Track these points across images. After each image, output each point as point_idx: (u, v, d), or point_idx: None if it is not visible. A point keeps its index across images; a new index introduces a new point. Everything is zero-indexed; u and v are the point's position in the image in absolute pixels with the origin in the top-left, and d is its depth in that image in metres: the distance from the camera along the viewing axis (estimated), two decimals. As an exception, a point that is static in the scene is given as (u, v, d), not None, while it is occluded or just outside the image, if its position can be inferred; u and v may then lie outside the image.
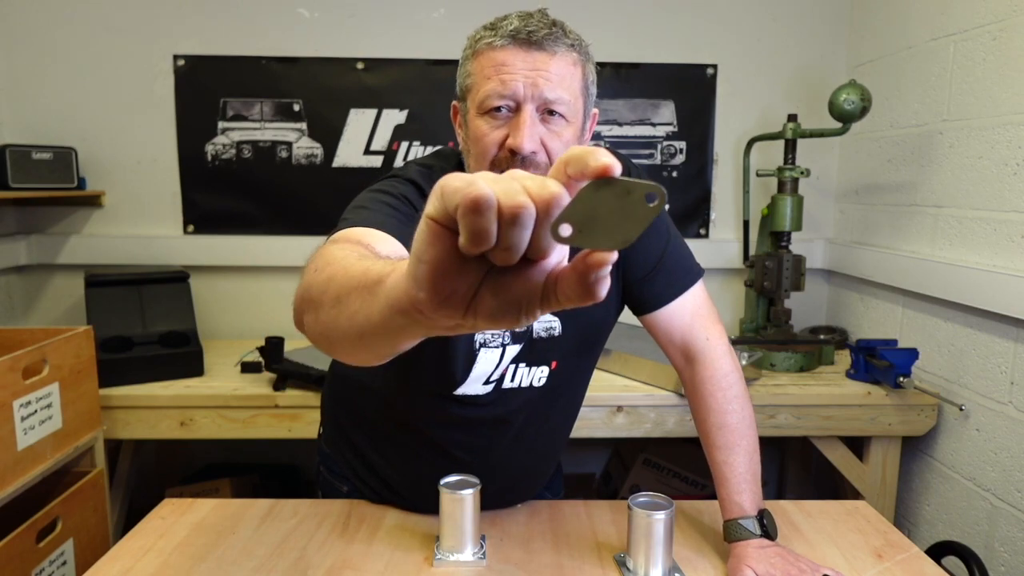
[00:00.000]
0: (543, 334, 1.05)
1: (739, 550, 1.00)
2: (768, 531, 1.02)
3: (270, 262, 2.31)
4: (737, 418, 1.07)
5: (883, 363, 1.79)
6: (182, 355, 1.88)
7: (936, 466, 1.84)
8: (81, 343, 1.62)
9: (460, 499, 0.99)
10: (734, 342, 1.92)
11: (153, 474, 2.37)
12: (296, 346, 1.94)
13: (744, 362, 1.83)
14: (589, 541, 1.08)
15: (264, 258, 2.32)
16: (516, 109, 0.91)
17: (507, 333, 1.01)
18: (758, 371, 1.92)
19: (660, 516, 0.95)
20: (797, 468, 2.44)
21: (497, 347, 1.02)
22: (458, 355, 1.01)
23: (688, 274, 1.11)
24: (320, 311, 0.62)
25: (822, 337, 2.17)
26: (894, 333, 2.00)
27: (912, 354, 1.78)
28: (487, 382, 1.04)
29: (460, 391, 1.04)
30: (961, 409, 1.70)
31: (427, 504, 1.08)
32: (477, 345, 1.01)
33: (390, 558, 1.03)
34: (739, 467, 1.04)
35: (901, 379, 1.74)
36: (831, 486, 2.12)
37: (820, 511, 1.19)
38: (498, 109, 0.91)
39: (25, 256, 2.25)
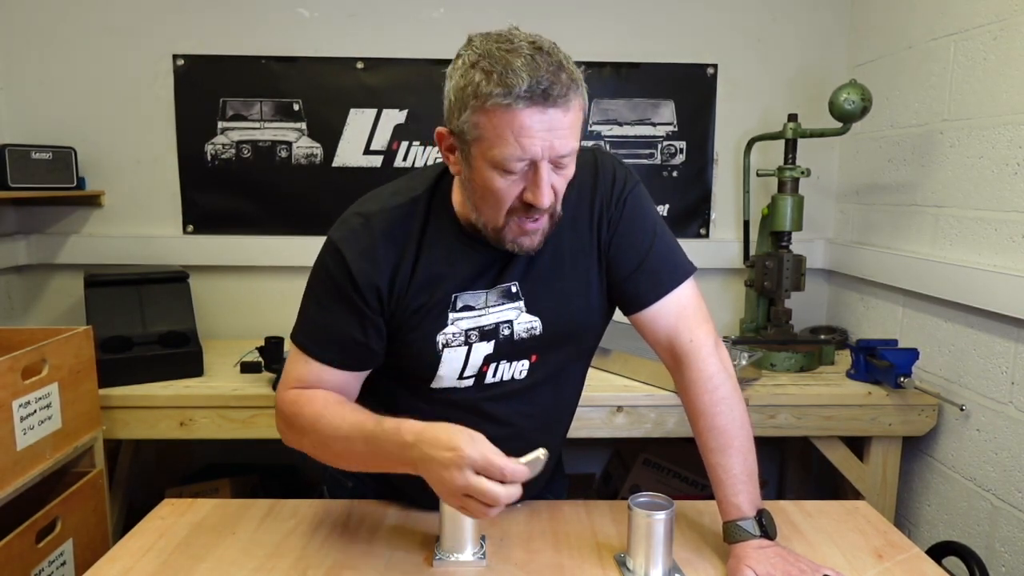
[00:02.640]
0: (524, 334, 1.06)
1: (739, 551, 1.00)
2: (767, 531, 1.01)
3: (270, 262, 2.31)
4: (726, 419, 1.06)
5: (883, 363, 1.79)
6: (182, 355, 1.87)
7: (936, 466, 1.84)
8: (81, 343, 1.62)
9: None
10: (734, 342, 1.92)
11: (153, 474, 2.37)
12: (296, 346, 1.94)
13: (744, 362, 1.83)
14: (589, 541, 1.08)
15: (264, 258, 2.31)
16: (531, 165, 0.92)
17: (473, 332, 1.04)
18: (758, 371, 1.92)
19: (660, 516, 0.96)
20: (797, 468, 2.44)
21: (460, 345, 1.04)
22: (422, 357, 1.04)
23: (673, 274, 1.10)
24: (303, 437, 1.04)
25: (822, 337, 2.17)
26: (894, 333, 2.00)
27: (912, 354, 1.78)
28: (463, 377, 1.06)
29: (436, 385, 1.07)
30: (962, 409, 1.70)
31: (425, 499, 1.07)
32: (440, 347, 1.03)
33: (390, 558, 1.03)
34: (733, 468, 1.04)
35: (901, 379, 1.74)
36: (831, 486, 2.12)
37: (820, 511, 1.19)
38: (516, 170, 0.92)
39: (25, 256, 2.25)
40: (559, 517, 1.15)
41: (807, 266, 2.07)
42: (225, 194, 2.29)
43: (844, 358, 2.06)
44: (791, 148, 2.04)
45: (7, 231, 2.22)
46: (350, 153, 2.30)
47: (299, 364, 1.05)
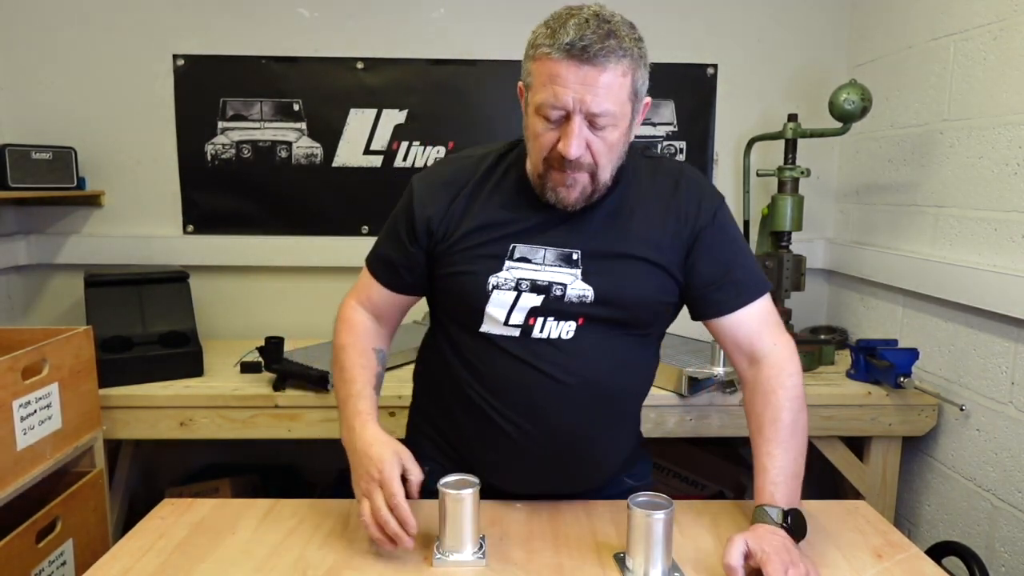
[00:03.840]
0: (574, 299, 1.09)
1: (751, 528, 1.01)
2: (792, 528, 1.01)
3: (270, 262, 2.31)
4: (792, 418, 1.10)
5: (883, 363, 1.79)
6: (182, 355, 1.87)
7: (936, 466, 1.84)
8: (81, 343, 1.62)
9: (460, 499, 0.99)
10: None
11: (153, 474, 2.37)
12: (296, 346, 1.94)
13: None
14: (589, 541, 1.08)
15: (264, 258, 2.31)
16: (567, 116, 1.00)
17: (524, 282, 1.10)
18: (758, 371, 1.92)
19: (660, 516, 0.95)
20: (797, 468, 2.44)
21: (510, 290, 1.10)
22: (474, 295, 1.12)
23: (757, 286, 1.16)
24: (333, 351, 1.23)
25: (822, 337, 2.17)
26: (894, 333, 2.00)
27: (912, 354, 1.78)
28: (508, 324, 1.11)
29: (484, 329, 1.12)
30: (961, 409, 1.70)
31: (509, 481, 1.18)
32: (490, 287, 1.10)
33: (390, 558, 1.03)
34: (781, 461, 1.07)
35: (901, 379, 1.74)
36: (831, 486, 2.12)
37: (820, 511, 1.19)
38: (551, 117, 1.01)
39: (25, 256, 2.25)
40: (559, 517, 1.15)
41: (807, 266, 2.07)
42: (225, 194, 2.29)
43: (844, 358, 2.06)
44: (791, 148, 2.04)
45: (7, 231, 2.22)
46: (350, 153, 2.30)
47: (363, 277, 1.25)
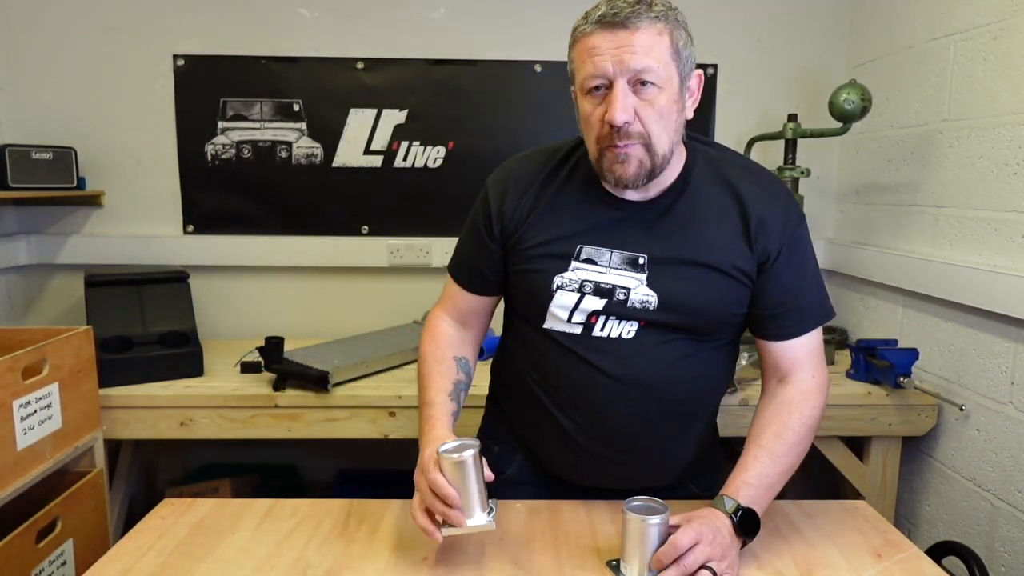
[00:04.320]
0: (637, 304, 1.09)
1: (701, 510, 1.02)
2: (740, 523, 1.01)
3: (270, 262, 2.31)
4: (795, 439, 1.11)
5: (883, 363, 1.79)
6: (182, 355, 1.88)
7: (936, 466, 1.84)
8: (81, 343, 1.62)
9: (460, 462, 0.97)
10: (734, 342, 1.92)
11: (153, 474, 2.37)
12: (296, 346, 1.94)
13: (744, 362, 1.83)
14: (588, 541, 1.08)
15: (264, 258, 2.32)
16: (610, 86, 1.01)
17: (588, 283, 1.10)
18: (758, 371, 1.91)
19: (655, 521, 0.94)
20: (797, 468, 2.44)
21: (573, 291, 1.10)
22: (538, 292, 1.13)
23: (817, 314, 1.15)
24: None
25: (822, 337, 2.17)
26: (894, 333, 2.00)
27: (912, 354, 1.78)
28: (571, 321, 1.11)
29: (547, 325, 1.13)
30: (961, 409, 1.70)
31: (568, 471, 1.21)
32: (555, 287, 1.11)
33: (390, 558, 1.03)
34: (765, 469, 1.07)
35: (901, 379, 1.74)
36: (831, 486, 2.12)
37: (820, 511, 1.19)
38: (596, 88, 1.02)
39: (25, 256, 2.25)
40: (559, 517, 1.15)
41: (807, 266, 2.07)
42: (225, 194, 2.29)
43: (844, 358, 2.06)
44: (791, 148, 2.04)
45: (7, 231, 2.22)
46: (350, 153, 2.30)
47: (448, 284, 1.27)
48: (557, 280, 1.11)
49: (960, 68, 1.76)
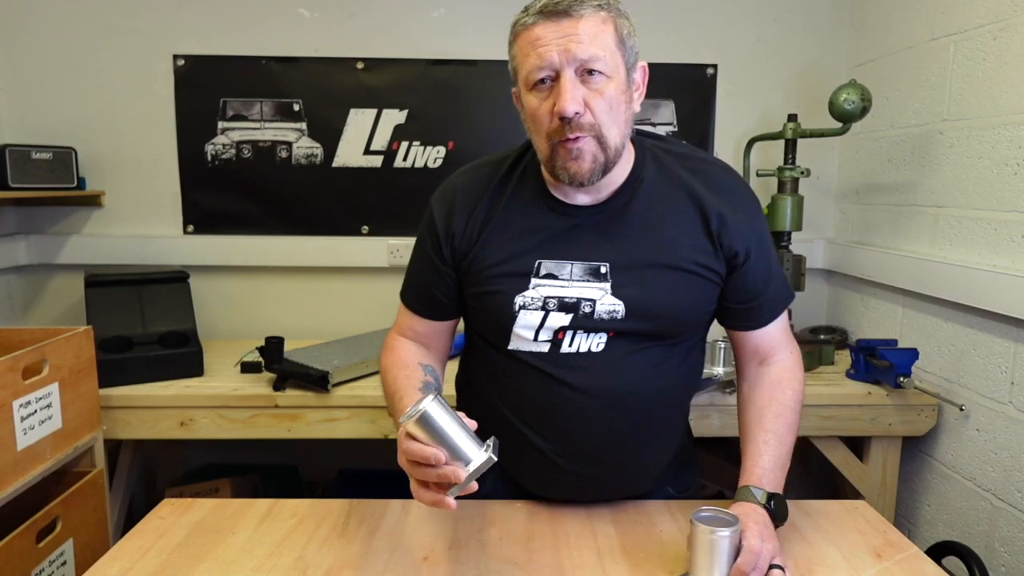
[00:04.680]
0: (604, 316, 1.06)
1: (735, 504, 1.03)
2: (774, 512, 1.02)
3: (270, 262, 2.31)
4: (793, 417, 1.14)
5: (883, 363, 1.79)
6: (182, 355, 1.87)
7: (936, 466, 1.84)
8: (81, 343, 1.62)
9: (421, 416, 0.87)
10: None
11: (153, 474, 2.37)
12: (296, 346, 1.94)
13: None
14: (589, 541, 1.08)
15: (264, 258, 2.32)
16: (557, 77, 0.98)
17: (552, 300, 1.07)
18: (758, 371, 1.92)
19: (724, 533, 0.92)
20: (797, 468, 2.43)
21: (537, 310, 1.07)
22: (500, 315, 1.09)
23: (785, 300, 1.17)
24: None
25: (822, 337, 2.17)
26: (894, 333, 2.00)
27: (912, 354, 1.78)
28: (537, 340, 1.08)
29: (513, 347, 1.10)
30: (961, 409, 1.70)
31: (544, 488, 1.18)
32: (517, 307, 1.08)
33: (390, 558, 1.03)
34: (776, 451, 1.09)
35: (901, 379, 1.74)
36: (831, 486, 2.12)
37: (820, 511, 1.19)
38: (542, 81, 0.99)
39: (25, 256, 2.25)
40: (559, 517, 1.15)
41: (807, 266, 2.07)
42: (225, 194, 2.29)
43: (844, 358, 2.06)
44: (791, 148, 2.04)
45: (7, 231, 2.22)
46: (350, 153, 2.30)
47: (400, 312, 1.23)
48: (519, 300, 1.07)
49: (960, 68, 1.76)
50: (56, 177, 2.09)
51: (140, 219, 2.30)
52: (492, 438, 0.93)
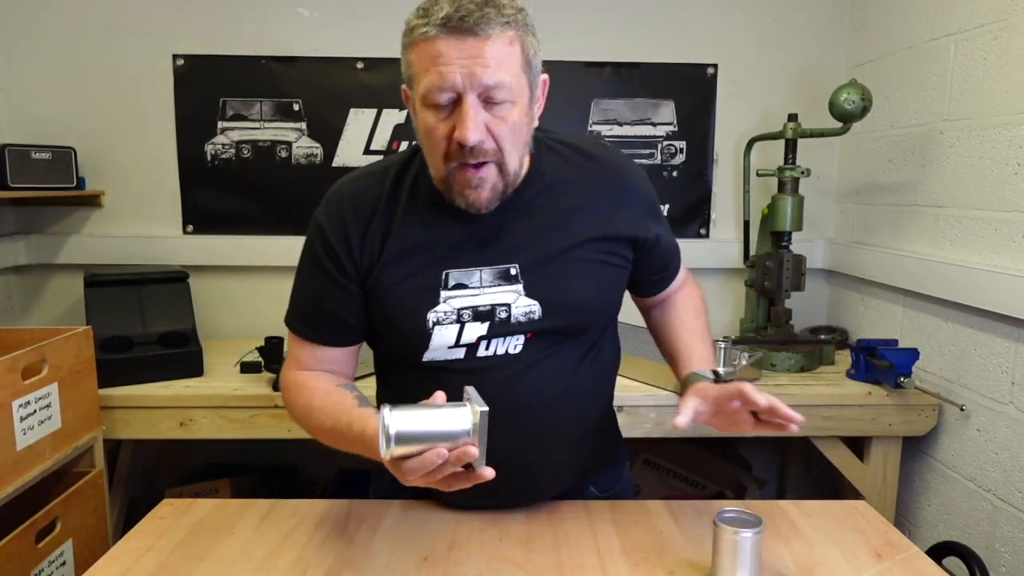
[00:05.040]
0: (521, 318, 1.04)
1: (695, 387, 1.05)
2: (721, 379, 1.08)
3: (270, 262, 2.31)
4: (705, 317, 1.24)
5: (884, 363, 1.79)
6: (182, 355, 1.87)
7: (937, 466, 1.84)
8: (80, 343, 1.62)
9: (392, 437, 0.82)
10: (734, 342, 1.92)
11: (153, 474, 2.37)
12: (296, 346, 1.93)
13: (744, 362, 1.83)
14: (589, 541, 1.08)
15: (264, 258, 2.31)
16: (458, 99, 0.91)
17: (466, 311, 1.03)
18: (758, 371, 1.92)
19: (748, 534, 0.91)
20: (797, 468, 2.44)
21: (452, 324, 1.03)
22: (413, 334, 1.04)
23: (678, 256, 1.23)
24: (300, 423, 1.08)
25: (822, 337, 2.17)
26: (894, 333, 2.00)
27: (913, 354, 1.78)
28: (453, 347, 1.04)
29: (427, 357, 1.05)
30: (962, 409, 1.70)
31: (464, 499, 1.08)
32: (430, 324, 1.03)
33: (390, 558, 1.03)
34: (702, 352, 1.17)
35: (902, 379, 1.74)
36: (831, 486, 2.12)
37: (820, 511, 1.19)
38: (441, 102, 0.92)
39: (24, 256, 2.25)
40: (559, 517, 1.15)
41: (807, 266, 2.07)
42: (225, 194, 2.29)
43: (844, 358, 2.06)
44: (791, 148, 2.04)
45: (7, 231, 2.22)
46: (350, 153, 2.30)
47: (294, 345, 1.11)
48: (431, 316, 1.02)
49: (960, 68, 1.76)
50: (56, 177, 2.09)
51: (140, 219, 2.29)
52: (466, 389, 0.87)
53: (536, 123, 1.02)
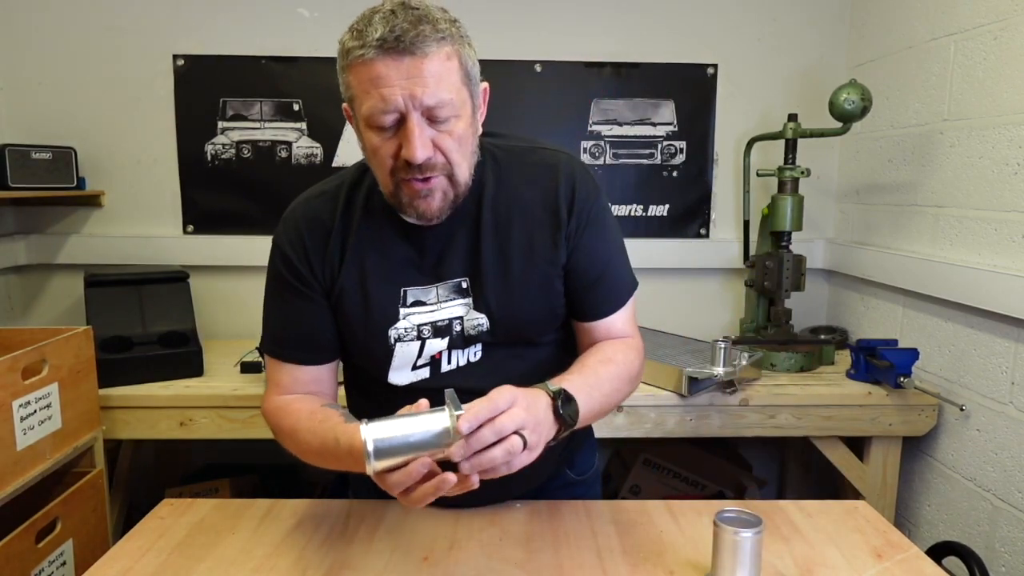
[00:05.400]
0: (472, 331, 1.06)
1: (527, 391, 0.92)
2: (561, 401, 0.92)
3: (270, 262, 2.31)
4: (619, 370, 1.05)
5: (883, 363, 1.79)
6: (182, 355, 1.87)
7: (936, 466, 1.84)
8: (80, 343, 1.62)
9: (373, 446, 0.82)
10: (734, 342, 1.92)
11: (153, 474, 2.37)
12: (296, 346, 1.93)
13: (744, 362, 1.83)
14: (589, 541, 1.08)
15: (264, 258, 2.28)
16: (402, 119, 0.91)
17: (425, 327, 1.05)
18: (758, 371, 1.92)
19: (748, 534, 0.91)
20: (797, 468, 2.44)
21: (413, 340, 1.05)
22: (375, 351, 1.06)
23: (626, 288, 1.12)
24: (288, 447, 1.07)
25: (822, 337, 2.17)
26: (894, 333, 2.00)
27: (912, 354, 1.78)
28: (416, 367, 1.07)
29: (393, 381, 1.07)
30: (962, 409, 1.70)
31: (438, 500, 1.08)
32: (392, 341, 1.05)
33: (389, 558, 1.03)
34: (589, 380, 1.00)
35: (901, 379, 1.74)
36: (831, 486, 2.12)
37: (820, 511, 1.19)
38: (385, 124, 0.92)
39: (24, 256, 2.25)
40: (558, 517, 1.15)
41: (807, 266, 2.07)
42: (225, 194, 2.29)
43: (844, 358, 2.06)
44: (791, 148, 2.04)
45: (7, 231, 2.22)
46: (350, 153, 2.29)
47: (273, 370, 1.11)
48: (392, 333, 1.04)
49: (960, 68, 1.76)
50: (56, 177, 2.09)
51: (140, 219, 2.29)
52: (445, 391, 0.86)
53: (480, 130, 1.02)
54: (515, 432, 0.84)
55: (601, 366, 1.04)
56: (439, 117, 0.92)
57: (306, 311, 1.07)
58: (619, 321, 1.11)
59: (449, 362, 1.07)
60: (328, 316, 1.07)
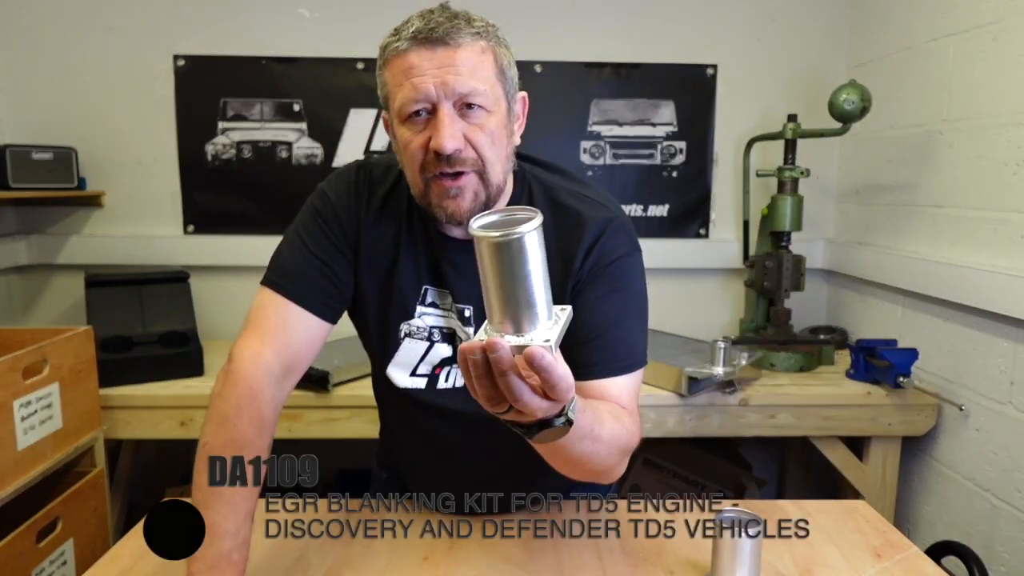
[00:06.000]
0: None
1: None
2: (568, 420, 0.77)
3: (270, 262, 2.31)
4: (610, 430, 0.88)
5: (883, 363, 1.79)
6: (182, 355, 1.88)
7: (936, 466, 1.84)
8: (81, 343, 1.62)
9: (509, 243, 0.63)
10: (734, 342, 1.92)
11: (153, 474, 2.37)
12: (296, 346, 1.93)
13: (744, 362, 1.83)
14: (589, 541, 1.08)
15: (264, 258, 2.27)
16: (433, 110, 0.90)
17: (436, 330, 1.04)
18: (758, 371, 1.92)
19: (747, 534, 0.92)
20: (797, 468, 2.44)
21: (422, 340, 1.05)
22: (384, 340, 1.06)
23: (627, 357, 0.98)
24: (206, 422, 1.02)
25: (822, 337, 2.17)
26: (894, 333, 2.00)
27: (912, 354, 1.78)
28: (415, 374, 1.06)
29: (391, 374, 1.07)
30: (961, 409, 1.70)
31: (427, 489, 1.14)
32: (402, 335, 1.05)
33: (389, 558, 1.03)
34: (592, 417, 0.85)
35: (901, 379, 1.74)
36: (831, 486, 2.12)
37: (820, 511, 1.19)
38: (417, 113, 0.91)
39: (25, 256, 2.25)
40: (558, 517, 1.15)
41: (807, 266, 2.07)
42: (225, 194, 2.29)
43: (844, 358, 2.06)
44: (791, 148, 2.04)
45: (7, 231, 2.22)
46: (350, 153, 2.29)
47: (264, 306, 1.03)
48: (404, 328, 1.03)
49: (960, 68, 1.76)
50: (56, 177, 2.09)
51: (140, 219, 2.29)
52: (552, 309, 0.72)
53: (518, 141, 0.99)
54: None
55: (605, 418, 0.88)
56: (471, 107, 0.90)
57: (329, 257, 1.01)
58: (615, 388, 0.96)
59: (447, 380, 1.06)
60: (348, 275, 1.03)
